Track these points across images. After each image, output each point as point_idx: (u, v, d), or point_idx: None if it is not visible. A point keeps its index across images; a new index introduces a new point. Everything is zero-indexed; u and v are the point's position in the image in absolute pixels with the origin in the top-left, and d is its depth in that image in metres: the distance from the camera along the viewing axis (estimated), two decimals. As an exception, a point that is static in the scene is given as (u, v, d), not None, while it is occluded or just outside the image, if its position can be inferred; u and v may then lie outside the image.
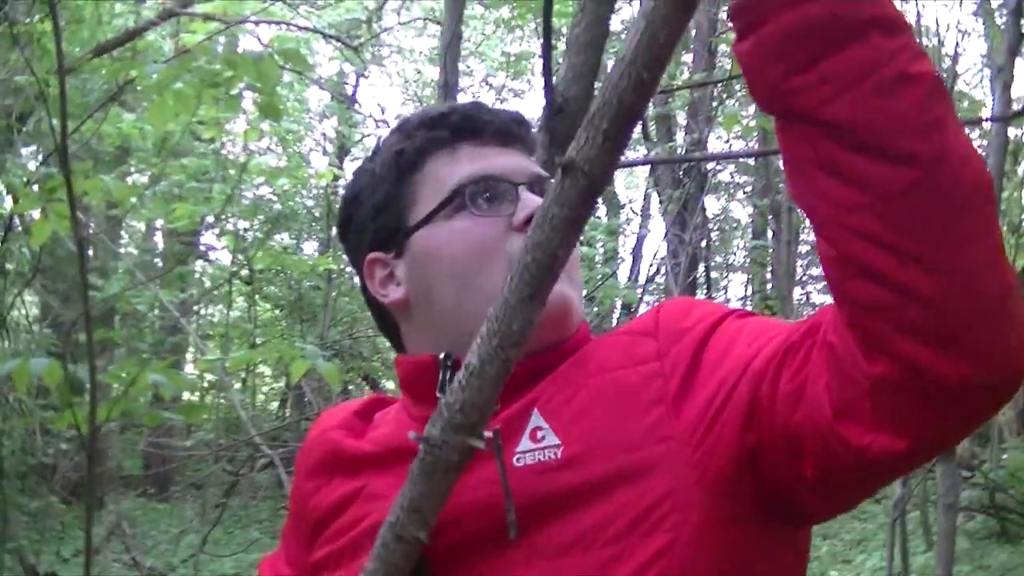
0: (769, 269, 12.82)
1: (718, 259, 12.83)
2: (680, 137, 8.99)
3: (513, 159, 1.07)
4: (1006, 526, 7.55)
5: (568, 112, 1.72)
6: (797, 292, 11.86)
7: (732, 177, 11.41)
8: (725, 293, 15.17)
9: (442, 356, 1.02)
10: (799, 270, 11.57)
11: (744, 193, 11.15)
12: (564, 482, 0.94)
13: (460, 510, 0.92)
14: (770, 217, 8.87)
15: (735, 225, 11.87)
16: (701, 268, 10.39)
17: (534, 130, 1.14)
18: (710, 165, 8.54)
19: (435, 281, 1.04)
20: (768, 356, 0.90)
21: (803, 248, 11.35)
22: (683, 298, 0.99)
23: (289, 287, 9.41)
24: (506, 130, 1.08)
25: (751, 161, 9.61)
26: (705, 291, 13.71)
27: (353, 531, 1.03)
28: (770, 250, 10.42)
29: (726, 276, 15.30)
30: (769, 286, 12.57)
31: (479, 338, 0.81)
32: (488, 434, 0.84)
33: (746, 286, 13.87)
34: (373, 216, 1.09)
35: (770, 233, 12.17)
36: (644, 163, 8.37)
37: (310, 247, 11.02)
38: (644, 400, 0.95)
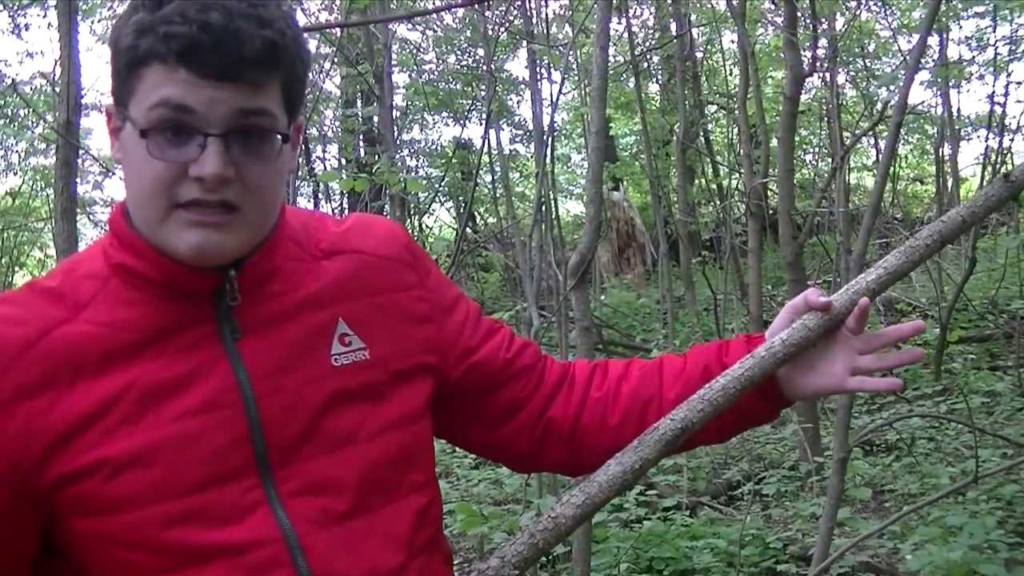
0: (360, 135, 13.04)
1: (313, 131, 12.82)
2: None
3: (222, 101, 1.04)
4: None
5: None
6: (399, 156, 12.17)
7: (318, 48, 11.33)
8: (323, 164, 15.24)
9: (231, 273, 1.12)
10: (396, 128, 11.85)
11: (332, 63, 11.15)
12: (374, 377, 1.20)
13: (297, 407, 1.14)
14: (369, 84, 9.00)
15: (328, 95, 11.90)
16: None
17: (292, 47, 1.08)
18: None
19: (125, 176, 1.11)
20: (503, 361, 1.35)
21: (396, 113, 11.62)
22: (405, 231, 1.34)
23: None
24: (234, 65, 1.03)
25: (337, 31, 9.64)
26: (305, 162, 13.69)
27: (146, 422, 1.07)
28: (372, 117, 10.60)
29: (322, 147, 15.34)
30: (362, 151, 12.84)
31: None
32: None
33: (339, 156, 14.03)
34: (115, 74, 1.09)
35: (359, 102, 12.35)
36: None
37: None
38: (417, 317, 1.27)
